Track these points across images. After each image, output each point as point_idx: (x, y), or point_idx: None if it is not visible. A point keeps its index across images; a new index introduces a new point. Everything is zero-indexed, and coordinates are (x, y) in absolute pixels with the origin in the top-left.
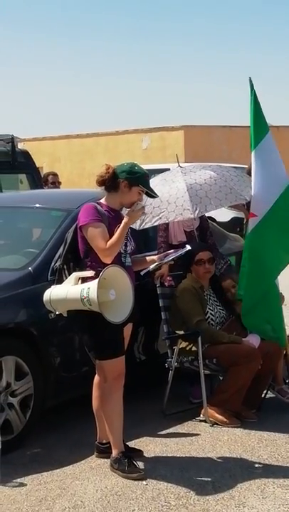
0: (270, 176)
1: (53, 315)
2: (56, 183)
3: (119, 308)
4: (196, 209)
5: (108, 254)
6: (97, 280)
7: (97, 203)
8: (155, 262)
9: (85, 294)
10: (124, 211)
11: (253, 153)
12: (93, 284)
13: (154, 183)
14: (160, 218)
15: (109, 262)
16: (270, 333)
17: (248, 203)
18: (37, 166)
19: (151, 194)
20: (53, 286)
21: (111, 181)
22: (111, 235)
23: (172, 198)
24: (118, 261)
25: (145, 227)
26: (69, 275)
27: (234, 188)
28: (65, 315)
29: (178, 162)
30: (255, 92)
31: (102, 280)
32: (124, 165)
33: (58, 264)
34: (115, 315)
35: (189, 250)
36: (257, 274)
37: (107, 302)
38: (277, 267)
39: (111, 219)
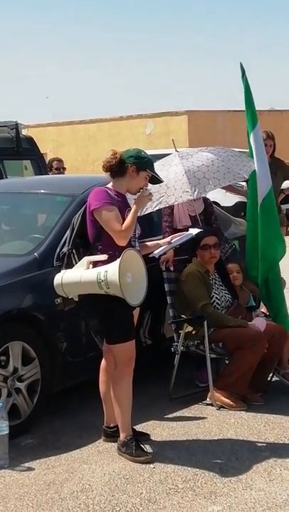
0: (264, 165)
1: (60, 300)
2: (61, 169)
3: (135, 291)
4: (195, 190)
5: (124, 236)
6: (117, 263)
7: (106, 188)
8: (160, 245)
9: (102, 278)
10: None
11: (251, 136)
12: (112, 267)
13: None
14: (160, 203)
15: (124, 245)
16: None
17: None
18: (41, 152)
19: (158, 179)
20: (63, 271)
21: (118, 166)
22: (122, 219)
23: (171, 182)
24: (128, 245)
25: (146, 212)
26: (78, 260)
27: (232, 167)
28: (76, 299)
29: (174, 147)
30: (246, 77)
31: (122, 263)
32: (131, 150)
33: (65, 249)
34: (132, 297)
35: (195, 234)
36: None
37: (125, 285)
38: (275, 256)
39: (120, 203)
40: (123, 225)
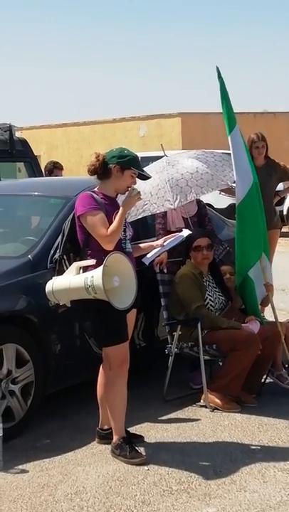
0: (241, 169)
1: (52, 302)
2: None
3: (124, 295)
4: (177, 199)
5: (110, 240)
6: (101, 268)
7: (93, 192)
8: (153, 247)
9: (89, 283)
10: (119, 198)
11: (229, 140)
12: (97, 272)
13: None
14: (144, 211)
15: (111, 249)
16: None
17: None
18: (35, 154)
19: (144, 175)
20: (54, 278)
21: (102, 168)
22: (109, 223)
23: (154, 190)
24: (118, 247)
25: (130, 220)
26: (69, 265)
27: (216, 174)
28: (68, 305)
29: (164, 152)
30: (222, 79)
31: (105, 267)
32: (114, 150)
33: (57, 254)
34: (120, 301)
35: (188, 236)
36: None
37: (112, 289)
38: (248, 262)
39: (108, 206)
40: (109, 230)
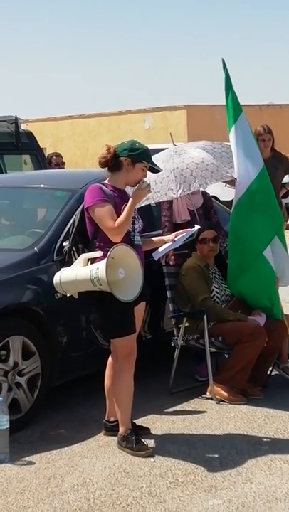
0: (247, 157)
1: (60, 294)
2: (60, 164)
3: (129, 287)
4: (180, 188)
5: (117, 232)
6: (105, 260)
7: (102, 184)
8: (164, 242)
9: (94, 275)
10: (128, 189)
11: (232, 131)
12: (102, 264)
13: None
14: (147, 199)
15: (119, 241)
16: (259, 303)
17: None
18: (41, 146)
19: (155, 169)
20: (62, 269)
21: (113, 161)
22: (118, 215)
23: (159, 178)
24: (127, 240)
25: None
26: (78, 256)
27: (221, 165)
28: (76, 297)
29: (172, 141)
30: (227, 70)
31: (110, 259)
32: (125, 143)
33: (66, 246)
34: (125, 293)
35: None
36: (240, 249)
37: (117, 281)
38: (259, 244)
39: (117, 198)
40: (116, 222)
